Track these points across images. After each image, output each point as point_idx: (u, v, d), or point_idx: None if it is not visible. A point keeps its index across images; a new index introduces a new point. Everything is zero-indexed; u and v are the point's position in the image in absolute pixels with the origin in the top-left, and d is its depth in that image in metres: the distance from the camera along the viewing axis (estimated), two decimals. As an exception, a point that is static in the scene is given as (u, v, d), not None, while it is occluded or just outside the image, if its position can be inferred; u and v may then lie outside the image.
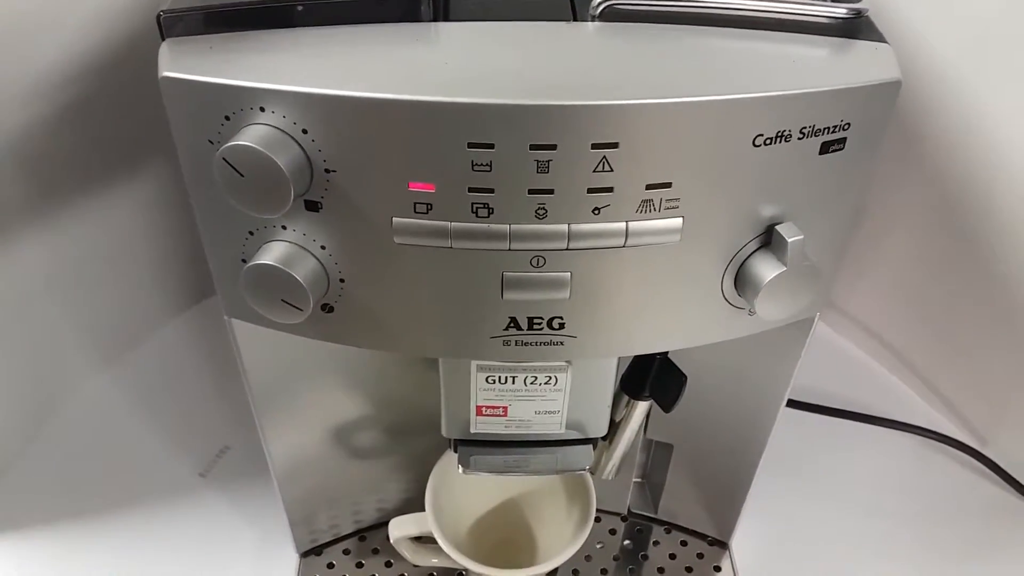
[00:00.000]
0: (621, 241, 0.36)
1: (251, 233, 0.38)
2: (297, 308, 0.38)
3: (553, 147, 0.33)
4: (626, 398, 0.52)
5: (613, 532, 0.67)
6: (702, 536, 0.67)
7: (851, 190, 0.39)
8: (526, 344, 0.40)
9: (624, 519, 0.68)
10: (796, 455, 0.70)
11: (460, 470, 0.50)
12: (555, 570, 0.56)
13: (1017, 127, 0.58)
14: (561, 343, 0.41)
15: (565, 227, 0.36)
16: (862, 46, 0.37)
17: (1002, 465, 0.70)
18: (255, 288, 0.38)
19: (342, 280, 0.39)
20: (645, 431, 0.61)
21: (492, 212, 0.35)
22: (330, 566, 0.64)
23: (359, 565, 0.64)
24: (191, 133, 0.35)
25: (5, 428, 0.68)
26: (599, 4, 0.37)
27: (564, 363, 0.46)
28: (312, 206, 0.36)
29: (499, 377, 0.46)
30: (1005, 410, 0.70)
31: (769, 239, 0.38)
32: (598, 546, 0.66)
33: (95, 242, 0.69)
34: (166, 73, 0.34)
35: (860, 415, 0.73)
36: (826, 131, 0.36)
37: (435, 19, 0.37)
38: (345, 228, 0.37)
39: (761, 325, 0.42)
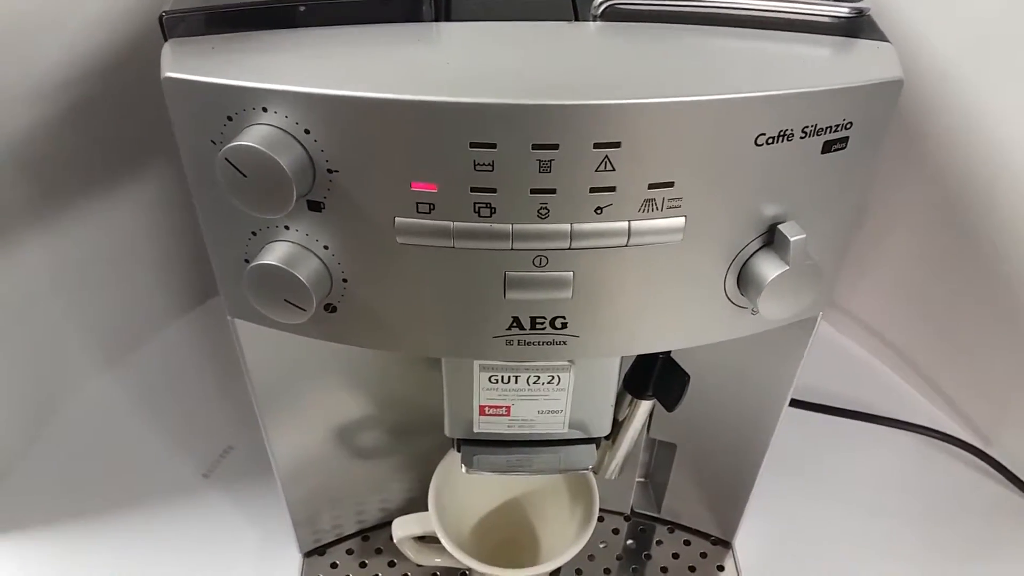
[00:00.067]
0: (623, 240, 0.36)
1: (254, 233, 0.38)
2: (300, 308, 0.38)
3: (555, 147, 0.33)
4: (629, 397, 0.52)
5: (616, 532, 0.67)
6: (705, 535, 0.67)
7: (853, 189, 0.39)
8: (529, 344, 0.40)
9: (627, 518, 0.68)
10: (799, 454, 0.70)
11: (463, 470, 0.50)
12: (558, 570, 0.56)
13: (1018, 126, 0.58)
14: (564, 343, 0.41)
15: (567, 227, 0.36)
16: (864, 45, 0.37)
17: (1005, 464, 0.70)
18: (258, 288, 0.38)
19: (345, 280, 0.39)
20: (648, 430, 0.61)
21: (494, 212, 0.35)
22: (333, 566, 0.64)
23: (362, 565, 0.64)
24: (194, 134, 0.36)
25: (8, 429, 0.68)
26: (601, 4, 0.37)
27: (567, 363, 0.46)
28: (315, 206, 0.36)
29: (502, 377, 0.46)
30: (1008, 409, 0.70)
31: (771, 238, 0.38)
32: (601, 546, 0.66)
33: (98, 243, 0.69)
34: (168, 74, 0.34)
35: (863, 414, 0.73)
36: (828, 130, 0.36)
37: (437, 19, 0.37)
38: (348, 228, 0.37)
39: (764, 324, 0.42)
